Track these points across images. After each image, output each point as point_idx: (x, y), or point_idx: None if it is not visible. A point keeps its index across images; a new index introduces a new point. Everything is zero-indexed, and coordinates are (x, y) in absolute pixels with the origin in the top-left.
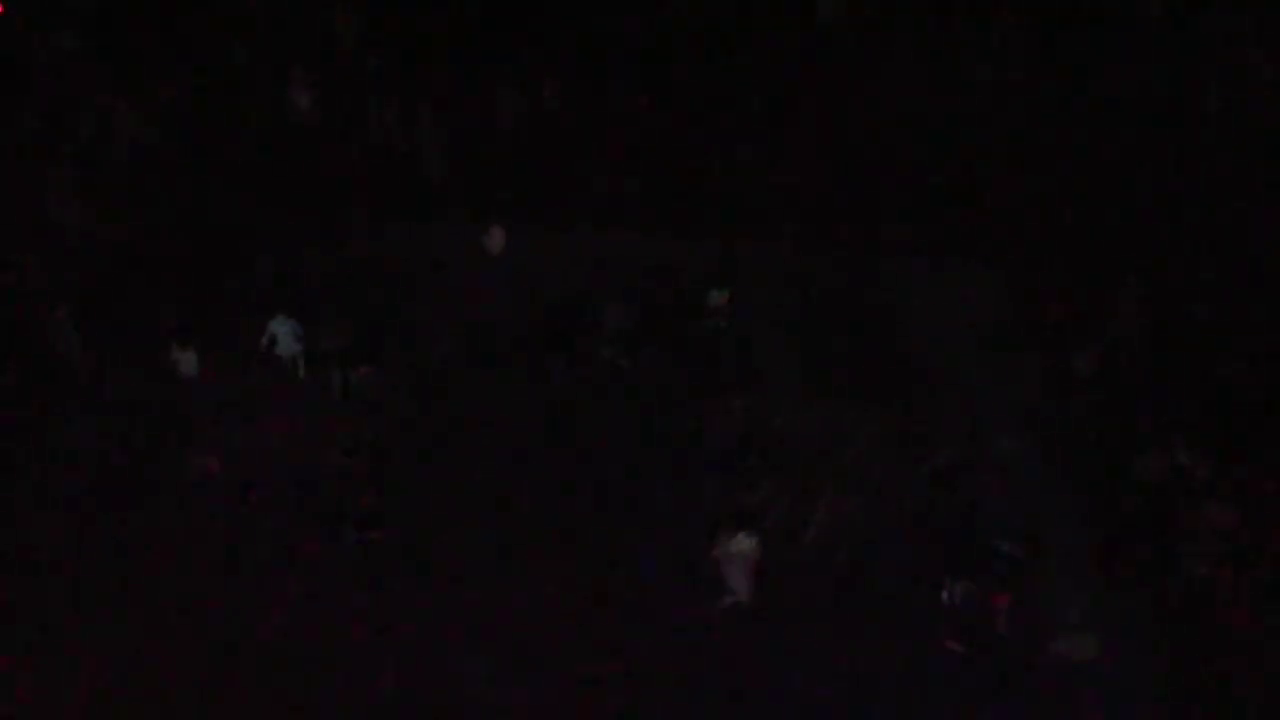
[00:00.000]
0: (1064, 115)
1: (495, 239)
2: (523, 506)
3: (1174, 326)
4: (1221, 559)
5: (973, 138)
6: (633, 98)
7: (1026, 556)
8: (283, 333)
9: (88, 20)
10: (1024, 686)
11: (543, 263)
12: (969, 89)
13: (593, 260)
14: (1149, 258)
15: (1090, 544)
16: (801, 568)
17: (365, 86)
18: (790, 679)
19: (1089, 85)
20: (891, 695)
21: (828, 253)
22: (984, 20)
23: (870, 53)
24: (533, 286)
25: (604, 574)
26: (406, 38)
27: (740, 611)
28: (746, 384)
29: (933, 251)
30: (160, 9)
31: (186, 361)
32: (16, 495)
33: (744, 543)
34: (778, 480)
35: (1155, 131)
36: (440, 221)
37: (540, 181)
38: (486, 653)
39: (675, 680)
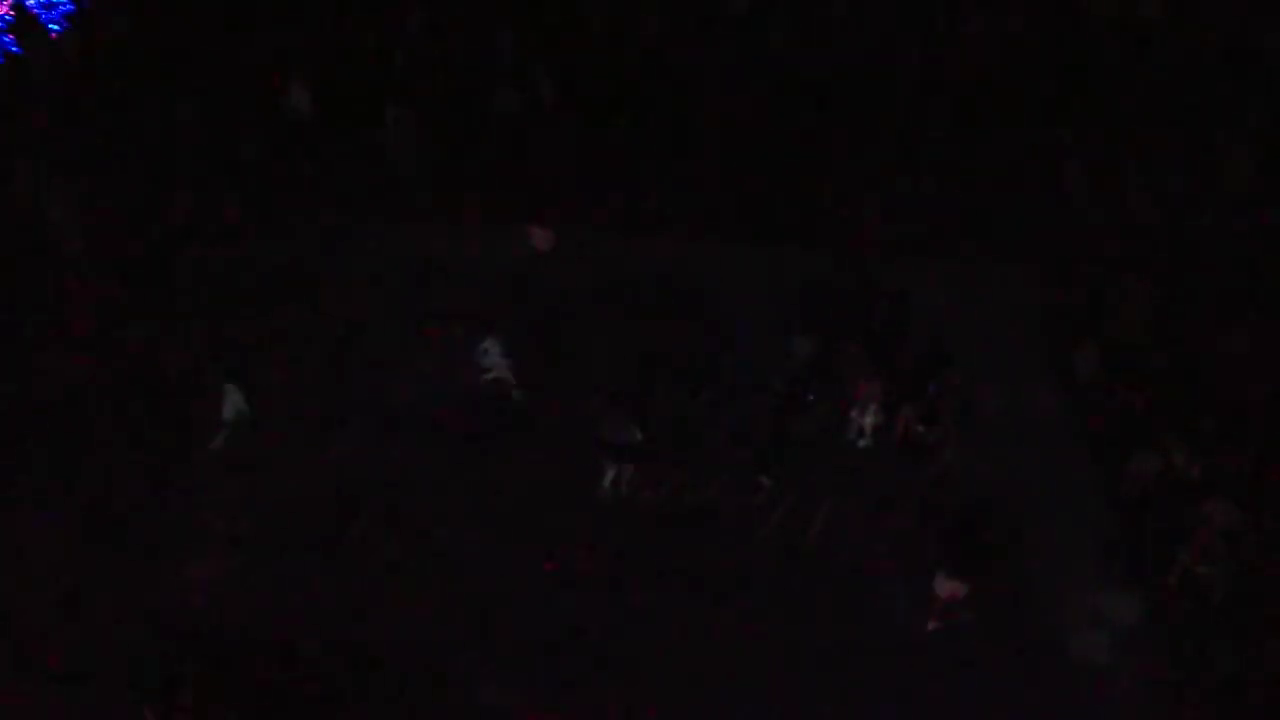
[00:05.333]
0: (1066, 114)
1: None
2: (522, 509)
3: (1174, 326)
4: (1221, 558)
5: (974, 138)
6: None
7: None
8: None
9: (89, 20)
10: (1026, 686)
11: (539, 263)
12: (970, 87)
13: (594, 261)
14: (1149, 257)
15: (1091, 543)
16: (801, 568)
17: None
18: (791, 679)
19: (1091, 84)
20: (893, 695)
21: (829, 253)
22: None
23: (872, 52)
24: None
25: (605, 574)
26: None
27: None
28: (746, 384)
29: (934, 252)
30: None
31: None
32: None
33: None
34: (778, 480)
35: (1156, 131)
36: (437, 222)
37: (535, 182)
38: (486, 652)
39: (675, 679)
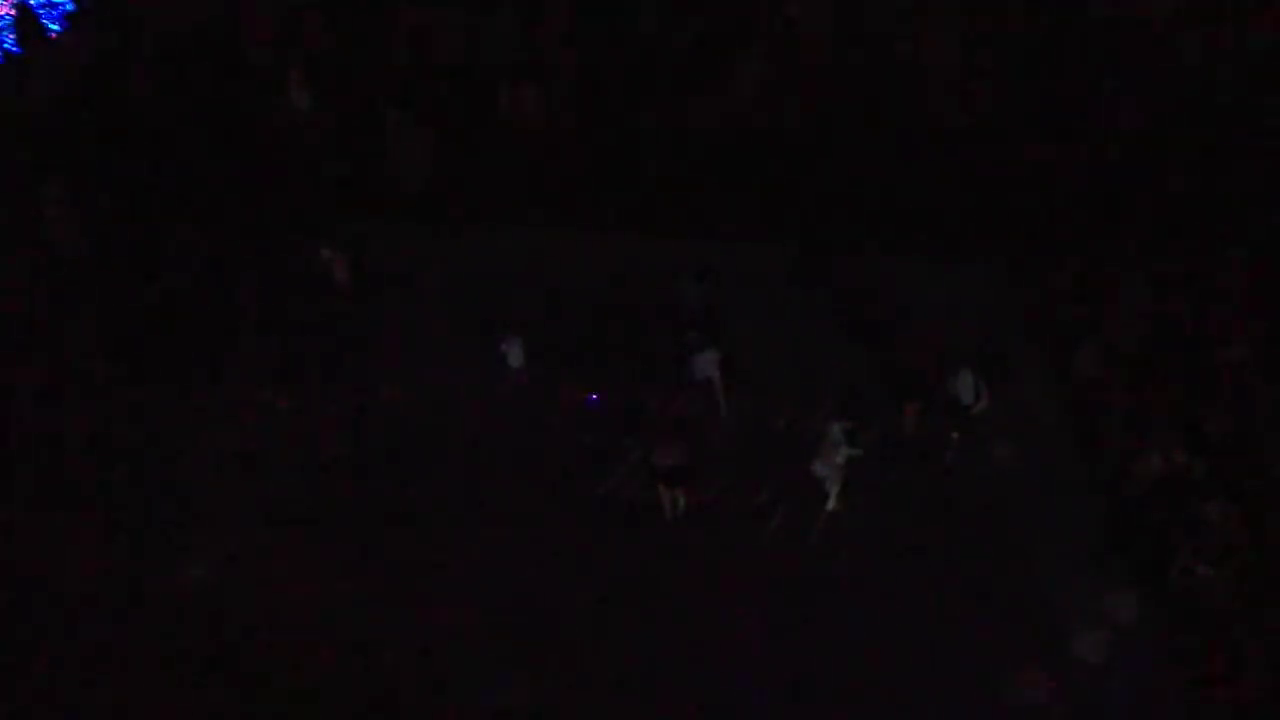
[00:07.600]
0: (1065, 116)
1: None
2: (524, 510)
3: (1174, 326)
4: (1221, 558)
5: (973, 139)
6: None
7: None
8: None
9: (88, 21)
10: (1026, 684)
11: (540, 264)
12: (969, 89)
13: (596, 262)
14: (1149, 258)
15: (1091, 544)
16: (802, 567)
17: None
18: (792, 679)
19: (1089, 85)
20: (894, 693)
21: (829, 253)
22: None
23: (871, 57)
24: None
25: (606, 576)
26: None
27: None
28: (747, 385)
29: (933, 252)
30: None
31: None
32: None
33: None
34: (778, 481)
35: (1155, 132)
36: (437, 224)
37: (533, 184)
38: (486, 653)
39: (675, 678)
